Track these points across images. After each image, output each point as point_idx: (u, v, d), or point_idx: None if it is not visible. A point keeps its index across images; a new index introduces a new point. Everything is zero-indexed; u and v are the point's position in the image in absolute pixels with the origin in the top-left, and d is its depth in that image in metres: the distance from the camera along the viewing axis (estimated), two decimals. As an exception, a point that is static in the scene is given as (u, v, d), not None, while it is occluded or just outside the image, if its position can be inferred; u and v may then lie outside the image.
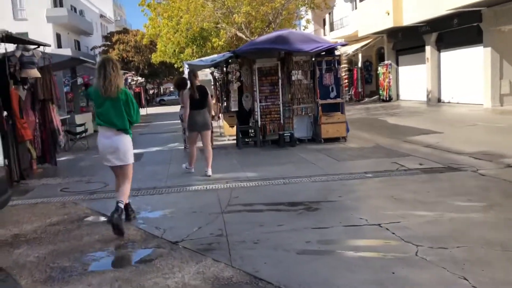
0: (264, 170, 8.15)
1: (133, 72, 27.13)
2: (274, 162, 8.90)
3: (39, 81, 9.13)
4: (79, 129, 13.51)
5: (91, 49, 46.31)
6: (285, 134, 10.84)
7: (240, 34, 19.69)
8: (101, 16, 59.80)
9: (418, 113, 17.88)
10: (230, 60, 11.74)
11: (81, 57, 11.92)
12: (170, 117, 23.73)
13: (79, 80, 18.09)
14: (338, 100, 11.33)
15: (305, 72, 11.10)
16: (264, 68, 11.06)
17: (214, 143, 11.49)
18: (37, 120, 9.43)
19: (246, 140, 11.28)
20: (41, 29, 40.23)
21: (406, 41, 23.45)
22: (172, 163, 9.63)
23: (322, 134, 10.96)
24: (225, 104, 13.63)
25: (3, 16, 39.48)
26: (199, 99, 8.00)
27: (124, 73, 21.99)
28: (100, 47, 46.18)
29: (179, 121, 11.35)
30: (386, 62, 25.43)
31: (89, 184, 7.93)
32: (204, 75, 16.80)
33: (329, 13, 33.61)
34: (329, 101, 11.23)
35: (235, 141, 11.93)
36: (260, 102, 11.10)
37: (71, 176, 8.68)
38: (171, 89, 55.69)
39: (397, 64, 25.40)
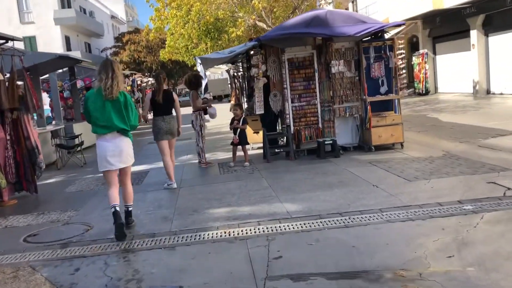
0: (308, 198, 5.85)
1: (141, 74, 24.82)
2: (320, 184, 6.57)
3: (2, 85, 6.98)
4: (72, 143, 11.36)
5: (101, 51, 44.55)
6: (325, 142, 8.51)
7: (260, 24, 17.29)
8: (112, 17, 58.14)
9: (469, 108, 15.31)
10: (252, 52, 9.47)
11: (71, 56, 9.75)
12: (185, 120, 21.53)
13: (80, 83, 16.04)
14: (392, 96, 8.93)
15: (348, 62, 8.74)
16: (296, 59, 8.74)
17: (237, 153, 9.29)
18: (7, 137, 7.29)
19: (276, 150, 8.97)
20: (49, 32, 38.59)
21: (446, 26, 20.81)
22: (183, 186, 7.38)
23: (372, 140, 8.60)
24: (246, 106, 11.37)
25: (10, 20, 37.89)
26: (163, 105, 7.16)
27: (132, 74, 19.90)
28: (110, 48, 44.37)
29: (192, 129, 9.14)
30: (421, 51, 22.80)
31: (67, 226, 5.72)
32: (220, 73, 14.54)
33: (353, 1, 31.03)
34: (380, 98, 8.85)
35: (260, 151, 9.66)
36: (292, 102, 8.79)
37: (48, 212, 6.50)
38: (186, 90, 53.68)
39: (434, 53, 22.76)
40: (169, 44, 21.97)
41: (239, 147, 8.56)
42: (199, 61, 10.04)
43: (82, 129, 13.66)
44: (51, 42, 37.57)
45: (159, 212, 5.95)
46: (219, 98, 47.59)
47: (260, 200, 5.98)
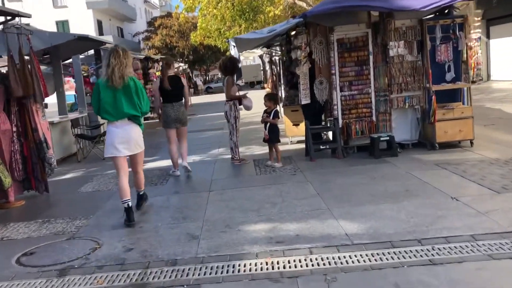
0: (370, 213, 4.61)
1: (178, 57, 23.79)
2: (380, 193, 5.32)
3: (13, 70, 6.00)
4: (96, 132, 10.43)
5: (133, 36, 43.97)
6: (381, 138, 7.21)
7: (299, 3, 15.83)
8: (145, 1, 57.55)
9: (535, 97, 13.61)
10: (294, 32, 8.22)
11: (92, 37, 8.72)
12: (216, 107, 20.49)
13: (107, 68, 15.11)
14: (461, 84, 7.54)
15: (409, 44, 7.36)
16: (347, 39, 7.43)
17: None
18: (14, 129, 6.33)
19: (321, 147, 7.72)
20: (81, 16, 38.14)
21: (504, 6, 18.84)
22: (214, 189, 6.26)
23: (436, 136, 7.24)
24: (285, 94, 10.15)
25: (43, 4, 37.65)
26: (170, 91, 7.04)
27: (161, 59, 18.89)
28: (142, 33, 43.71)
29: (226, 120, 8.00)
30: (473, 35, 20.85)
31: (71, 242, 4.68)
32: (251, 59, 13.30)
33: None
34: (447, 86, 7.47)
35: (301, 146, 8.44)
36: (341, 90, 7.50)
37: (54, 219, 5.49)
38: (219, 76, 52.66)
39: (488, 36, 20.80)
40: (201, 26, 20.72)
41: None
42: (233, 43, 8.90)
43: (107, 117, 12.75)
44: (83, 27, 37.06)
45: (183, 225, 4.85)
46: (251, 85, 46.46)
47: (309, 214, 4.78)
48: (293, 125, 9.21)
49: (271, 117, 7.13)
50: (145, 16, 56.56)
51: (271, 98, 7.24)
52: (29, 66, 6.34)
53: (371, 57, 7.41)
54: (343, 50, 7.43)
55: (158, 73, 17.36)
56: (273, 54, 11.75)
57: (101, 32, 39.66)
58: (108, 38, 35.85)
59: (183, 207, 5.57)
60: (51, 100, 13.95)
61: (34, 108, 6.39)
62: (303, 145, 8.17)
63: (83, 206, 6.00)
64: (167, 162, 8.31)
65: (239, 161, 7.78)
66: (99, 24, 40.56)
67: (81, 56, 15.45)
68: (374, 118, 7.53)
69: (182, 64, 26.15)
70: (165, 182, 6.94)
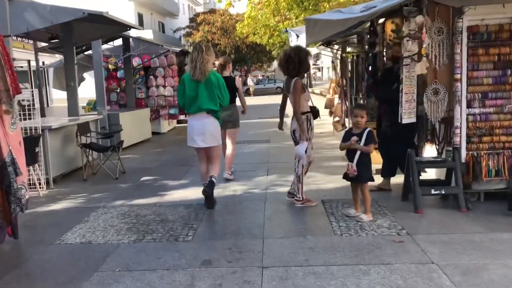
0: None
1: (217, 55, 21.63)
2: None
3: None
4: (117, 140, 8.17)
5: (174, 31, 42.22)
6: (533, 186, 4.53)
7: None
8: (189, -3, 55.93)
9: None
10: (384, 20, 5.68)
11: (107, 14, 6.43)
12: (259, 112, 18.10)
13: (137, 61, 12.94)
14: None
15: None
16: (484, 27, 4.79)
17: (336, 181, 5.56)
18: (-37, 142, 4.04)
19: (433, 192, 5.06)
20: (121, 7, 36.51)
21: None
22: (268, 263, 3.75)
23: None
24: (362, 103, 7.58)
25: (83, -5, 36.31)
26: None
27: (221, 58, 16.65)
28: (184, 28, 41.90)
29: (292, 141, 5.48)
30: None
31: None
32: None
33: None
34: None
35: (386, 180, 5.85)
36: (469, 105, 4.87)
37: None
38: (259, 77, 50.25)
39: None
40: (249, 15, 18.15)
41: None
42: (294, 34, 6.41)
43: (131, 120, 10.52)
44: (123, 19, 35.49)
45: None
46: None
47: None
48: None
49: (362, 141, 4.58)
50: (188, 12, 54.92)
51: (362, 108, 4.63)
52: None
53: (521, 57, 4.75)
54: (477, 45, 4.80)
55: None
56: (337, 50, 9.15)
57: (141, 26, 38.05)
58: (148, 32, 34.16)
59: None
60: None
61: (-4, 112, 4.08)
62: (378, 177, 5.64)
63: (55, 278, 3.63)
64: (196, 191, 5.93)
65: (301, 202, 5.27)
66: (140, 17, 38.96)
67: (107, 46, 13.43)
68: (518, 151, 4.87)
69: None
70: (192, 234, 4.50)
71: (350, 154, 4.63)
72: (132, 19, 37.32)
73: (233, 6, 17.84)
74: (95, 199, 6.08)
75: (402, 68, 4.99)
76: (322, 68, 68.64)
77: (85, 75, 14.43)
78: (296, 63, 5.03)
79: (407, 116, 5.15)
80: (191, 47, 35.69)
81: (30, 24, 6.18)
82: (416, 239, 4.08)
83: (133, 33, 15.59)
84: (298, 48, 5.30)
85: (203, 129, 5.22)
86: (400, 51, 5.30)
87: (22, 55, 23.03)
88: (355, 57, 8.25)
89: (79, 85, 14.08)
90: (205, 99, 5.13)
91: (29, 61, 21.21)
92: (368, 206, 4.63)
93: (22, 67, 27.52)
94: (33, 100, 6.38)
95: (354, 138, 4.55)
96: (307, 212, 5.10)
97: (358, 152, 4.49)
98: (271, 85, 39.64)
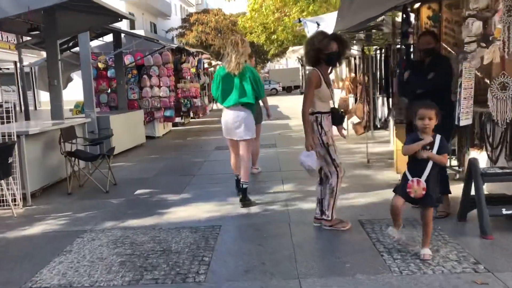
0: None
1: (208, 54, 20.40)
2: None
3: None
4: (107, 147, 7.15)
5: (167, 32, 41.13)
6: None
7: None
8: (181, -3, 54.88)
9: None
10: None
11: (99, 1, 5.39)
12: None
13: (129, 59, 11.89)
14: None
15: None
16: None
17: (365, 198, 4.60)
18: None
19: (504, 212, 4.06)
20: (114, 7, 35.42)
21: None
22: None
23: None
24: (383, 103, 6.62)
25: (73, -6, 35.14)
26: None
27: (198, 53, 15.63)
28: (176, 29, 40.84)
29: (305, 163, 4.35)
30: None
31: None
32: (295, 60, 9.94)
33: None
34: None
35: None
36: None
37: None
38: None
39: None
40: (253, 8, 17.00)
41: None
42: (311, 22, 5.49)
43: (123, 123, 9.48)
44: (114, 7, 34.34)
45: None
46: (288, 89, 43.03)
47: None
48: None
49: (435, 148, 3.50)
50: (180, 13, 53.88)
51: (431, 107, 3.55)
52: None
53: None
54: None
55: (193, 70, 14.07)
56: (354, 44, 8.18)
57: (132, 26, 36.88)
58: (140, 32, 33.02)
59: None
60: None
61: None
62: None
63: None
64: (201, 208, 4.94)
65: (330, 224, 4.25)
66: (131, 19, 37.89)
67: (97, 43, 12.40)
68: None
69: (219, 62, 22.87)
70: (204, 272, 3.47)
71: (415, 166, 3.50)
72: (124, 21, 36.28)
73: (229, 0, 16.81)
74: (81, 219, 5.03)
75: (461, 56, 4.01)
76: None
77: (73, 75, 13.36)
78: (314, 50, 4.09)
79: (465, 116, 4.18)
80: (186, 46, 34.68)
81: (1, 10, 5.13)
82: (502, 278, 3.10)
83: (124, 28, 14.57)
84: (319, 33, 4.34)
85: (237, 123, 5.24)
86: (430, 42, 4.41)
87: (8, 56, 21.85)
88: (378, 51, 7.27)
89: (66, 86, 13.09)
90: (241, 92, 5.16)
91: (15, 62, 20.06)
92: (429, 237, 3.60)
93: (8, 68, 26.33)
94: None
95: (425, 147, 3.47)
96: (345, 238, 4.10)
97: (430, 165, 3.45)
98: (266, 86, 38.71)
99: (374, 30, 8.40)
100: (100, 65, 11.91)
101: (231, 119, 5.26)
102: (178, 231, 4.43)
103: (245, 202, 5.19)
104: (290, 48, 15.84)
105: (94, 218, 5.03)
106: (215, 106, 20.99)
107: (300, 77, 45.04)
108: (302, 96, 4.36)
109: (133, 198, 5.90)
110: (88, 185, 6.54)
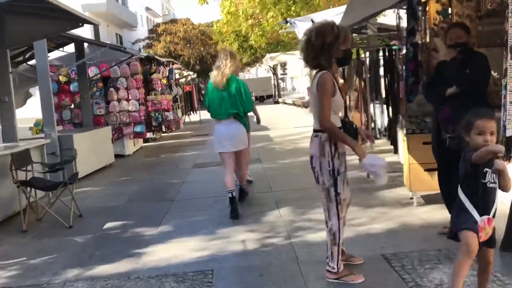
0: None
1: (180, 64, 19.40)
2: None
3: None
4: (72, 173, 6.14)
5: (133, 43, 39.92)
6: None
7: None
8: (147, 8, 53.75)
9: None
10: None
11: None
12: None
13: (94, 71, 10.86)
14: None
15: None
16: None
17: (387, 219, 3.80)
18: None
19: None
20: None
21: None
22: None
23: None
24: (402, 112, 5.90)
25: (33, 6, 33.58)
26: None
27: (168, 62, 14.68)
28: (143, 40, 39.72)
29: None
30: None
31: None
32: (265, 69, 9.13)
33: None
34: None
35: (442, 215, 4.08)
36: None
37: None
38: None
39: None
40: (229, 11, 16.05)
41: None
42: (301, 21, 5.21)
43: (88, 142, 8.49)
44: (77, 31, 33.00)
45: None
46: (260, 99, 42.37)
47: None
48: (424, 170, 4.93)
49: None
50: (147, 24, 52.72)
51: (491, 117, 2.67)
52: None
53: None
54: None
55: (164, 81, 13.11)
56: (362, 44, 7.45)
57: (97, 38, 35.60)
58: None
59: None
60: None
61: None
62: (442, 213, 3.86)
63: None
64: (185, 245, 4.04)
65: (336, 276, 3.30)
66: (96, 29, 36.52)
67: (58, 54, 11.34)
68: None
69: (191, 73, 22.01)
70: None
71: (479, 197, 2.57)
72: (87, 31, 34.80)
73: (207, 3, 15.93)
74: (36, 268, 4.05)
75: (509, 52, 3.27)
76: (285, 78, 67.67)
77: (33, 90, 12.21)
78: (318, 47, 3.20)
79: None
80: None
81: None
82: None
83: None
84: (323, 25, 3.38)
85: (231, 134, 5.30)
86: (461, 36, 3.69)
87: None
88: (374, 53, 6.55)
89: (25, 102, 11.94)
90: (229, 105, 5.20)
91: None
92: (488, 282, 2.79)
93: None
94: None
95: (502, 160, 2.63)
96: (373, 282, 3.27)
97: (496, 199, 2.61)
98: (239, 97, 37.88)
99: (355, 34, 7.75)
100: (62, 78, 10.84)
101: (223, 131, 5.28)
102: (160, 281, 3.51)
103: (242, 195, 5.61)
104: (267, 55, 15.12)
105: (53, 265, 4.05)
106: (187, 118, 20.07)
107: (272, 87, 44.60)
108: (276, 106, 3.51)
109: (102, 234, 4.93)
110: (47, 219, 5.52)
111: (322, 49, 3.23)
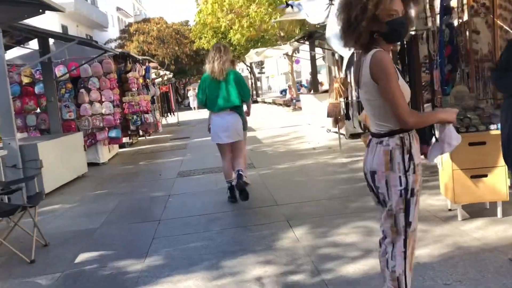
0: None
1: (156, 63, 18.22)
2: None
3: None
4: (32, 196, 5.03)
5: (105, 43, 38.37)
6: None
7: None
8: (118, 8, 52.09)
9: None
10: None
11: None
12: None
13: (61, 70, 9.66)
14: None
15: None
16: None
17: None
18: None
19: None
20: (43, 18, 32.33)
21: None
22: None
23: None
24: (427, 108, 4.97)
25: (-4, 6, 31.74)
26: None
27: (144, 61, 13.51)
28: (115, 40, 38.23)
29: None
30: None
31: None
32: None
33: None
34: None
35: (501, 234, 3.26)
36: None
37: None
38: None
39: None
40: (213, 1, 14.76)
41: None
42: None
43: (56, 151, 7.37)
44: (43, 27, 31.32)
45: None
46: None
47: None
48: (471, 177, 4.05)
49: None
50: (118, 24, 51.10)
51: None
52: None
53: None
54: None
55: (141, 80, 11.99)
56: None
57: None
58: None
59: None
60: None
61: None
62: (498, 230, 3.03)
63: None
64: (179, 279, 3.03)
65: None
66: (65, 30, 34.85)
67: (20, 52, 10.14)
68: None
69: (167, 72, 20.83)
70: None
71: None
72: (55, 30, 33.24)
73: None
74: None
75: None
76: (261, 77, 66.76)
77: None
78: (366, 15, 2.18)
79: None
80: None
81: None
82: None
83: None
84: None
85: (227, 125, 5.36)
86: None
87: None
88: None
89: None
90: (227, 96, 5.27)
91: None
92: None
93: None
94: None
95: None
96: None
97: None
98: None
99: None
100: (25, 79, 9.64)
101: (220, 123, 5.35)
102: None
103: (243, 193, 5.31)
104: (252, 51, 14.18)
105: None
106: (164, 121, 18.96)
107: (250, 85, 43.68)
108: (256, 105, 2.64)
109: (73, 272, 3.87)
110: (3, 252, 4.41)
111: (369, 19, 2.25)
